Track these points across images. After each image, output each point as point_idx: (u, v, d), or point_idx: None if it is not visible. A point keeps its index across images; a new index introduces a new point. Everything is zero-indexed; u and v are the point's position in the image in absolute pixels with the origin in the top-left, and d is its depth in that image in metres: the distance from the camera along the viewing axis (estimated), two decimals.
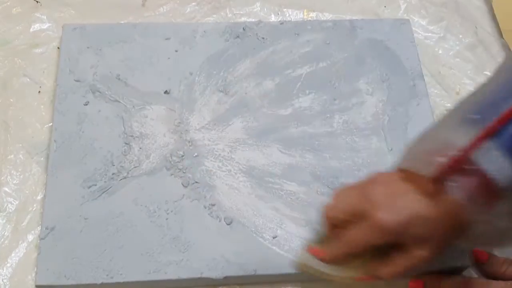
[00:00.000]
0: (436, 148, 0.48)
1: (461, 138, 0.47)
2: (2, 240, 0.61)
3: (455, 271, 0.59)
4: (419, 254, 0.49)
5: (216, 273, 0.58)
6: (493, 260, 0.57)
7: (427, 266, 0.52)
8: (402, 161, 0.53)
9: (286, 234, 0.60)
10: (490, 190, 0.47)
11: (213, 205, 0.62)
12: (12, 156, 0.66)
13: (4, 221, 0.62)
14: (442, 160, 0.47)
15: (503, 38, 0.79)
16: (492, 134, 0.46)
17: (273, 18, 0.79)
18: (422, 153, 0.50)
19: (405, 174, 0.50)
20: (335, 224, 0.52)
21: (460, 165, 0.47)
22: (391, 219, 0.48)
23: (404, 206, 0.48)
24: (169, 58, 0.71)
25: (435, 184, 0.48)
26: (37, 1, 0.77)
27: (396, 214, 0.48)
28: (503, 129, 0.45)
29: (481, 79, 0.75)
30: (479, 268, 0.58)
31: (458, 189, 0.47)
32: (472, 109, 0.49)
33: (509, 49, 0.77)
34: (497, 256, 0.58)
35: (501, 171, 0.46)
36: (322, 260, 0.53)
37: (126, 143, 0.65)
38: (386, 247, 0.50)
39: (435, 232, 0.48)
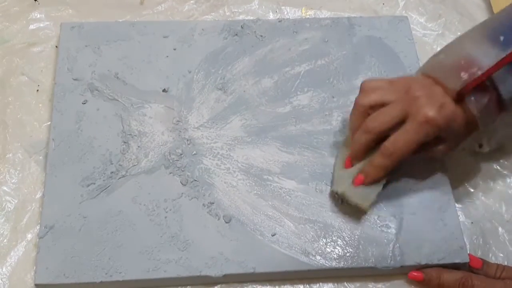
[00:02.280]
0: (460, 61, 0.55)
1: (484, 57, 0.54)
2: (1, 239, 0.61)
3: (455, 267, 0.59)
4: (441, 148, 0.58)
5: (215, 271, 0.58)
6: (487, 267, 0.59)
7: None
8: (427, 68, 0.59)
9: (285, 232, 0.61)
10: (498, 105, 0.56)
11: (212, 203, 0.62)
12: (10, 155, 0.66)
13: (3, 220, 0.62)
14: (465, 77, 0.54)
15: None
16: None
17: (271, 16, 0.79)
18: (447, 64, 0.57)
19: (433, 80, 0.57)
20: (364, 114, 0.58)
21: (480, 83, 0.54)
22: (439, 116, 0.54)
23: (446, 106, 0.55)
24: (167, 56, 0.71)
25: (458, 95, 0.55)
26: (35, 0, 0.77)
27: (443, 112, 0.54)
28: None
29: None
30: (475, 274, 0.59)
31: (475, 103, 0.55)
32: (497, 28, 0.56)
33: None
34: (491, 262, 0.59)
35: (510, 92, 0.56)
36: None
37: (125, 142, 0.65)
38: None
39: (461, 132, 0.57)
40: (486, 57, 0.54)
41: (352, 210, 0.61)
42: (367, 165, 0.59)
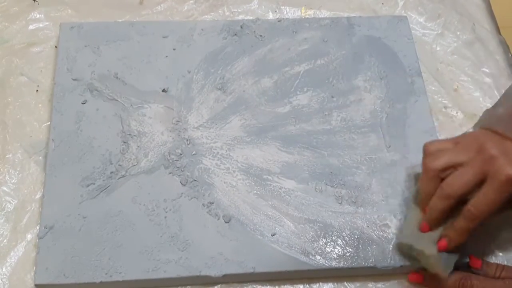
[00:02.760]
0: None
1: None
2: (1, 239, 0.61)
3: (454, 268, 0.59)
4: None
5: (215, 271, 0.58)
6: (487, 266, 0.58)
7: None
8: (487, 122, 0.58)
9: (285, 232, 0.61)
10: None
11: (212, 203, 0.62)
12: (10, 155, 0.66)
13: (3, 220, 0.62)
14: None
15: (501, 35, 0.79)
16: None
17: (270, 16, 0.79)
18: (506, 115, 0.56)
19: (499, 135, 0.56)
20: (436, 178, 0.56)
21: None
22: None
23: None
24: (167, 56, 0.71)
25: None
26: (34, 0, 0.77)
27: None
28: None
29: (479, 76, 0.76)
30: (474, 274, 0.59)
31: None
32: None
33: (507, 46, 0.77)
34: (490, 262, 0.59)
35: None
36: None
37: (124, 142, 0.65)
38: None
39: None
40: None
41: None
42: (450, 230, 0.56)
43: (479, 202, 0.53)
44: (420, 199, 0.58)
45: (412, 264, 0.59)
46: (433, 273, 0.57)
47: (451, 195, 0.54)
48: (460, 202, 0.55)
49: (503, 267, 0.58)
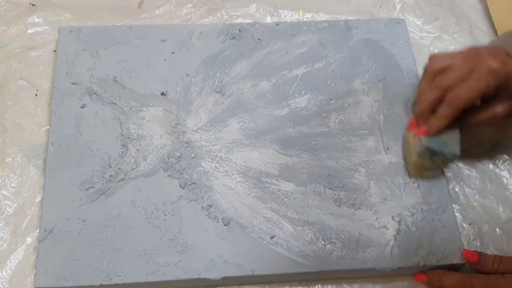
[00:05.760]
0: None
1: None
2: (1, 243, 0.61)
3: (453, 269, 0.60)
4: (500, 110, 0.60)
5: (214, 274, 0.58)
6: (484, 260, 0.58)
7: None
8: (495, 43, 0.64)
9: (284, 234, 0.61)
10: None
11: (211, 206, 0.62)
12: (9, 159, 0.66)
13: (3, 224, 0.62)
14: None
15: (498, 38, 0.79)
16: None
17: (268, 19, 0.79)
18: None
19: (501, 49, 0.60)
20: (433, 79, 0.61)
21: None
22: (502, 68, 0.57)
23: (509, 63, 0.58)
24: (165, 59, 0.71)
25: None
26: (33, 4, 0.77)
27: (505, 66, 0.57)
28: None
29: None
30: (473, 269, 0.59)
31: None
32: None
33: None
34: (487, 254, 0.59)
35: None
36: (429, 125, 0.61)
37: (123, 145, 0.65)
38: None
39: None
40: None
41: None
42: (431, 118, 0.61)
43: (461, 90, 0.58)
44: (417, 103, 0.63)
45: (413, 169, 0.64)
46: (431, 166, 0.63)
47: (439, 86, 0.60)
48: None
49: (501, 258, 0.58)
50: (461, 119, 0.60)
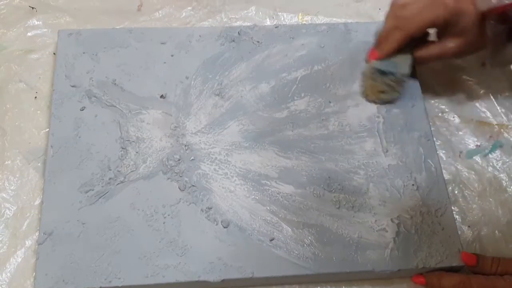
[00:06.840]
0: None
1: None
2: (0, 245, 0.61)
3: (452, 271, 0.60)
4: (451, 45, 0.64)
5: (213, 276, 0.58)
6: (483, 262, 0.58)
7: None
8: None
9: (283, 237, 0.61)
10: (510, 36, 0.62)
11: (210, 208, 0.62)
12: (9, 162, 0.66)
13: (2, 226, 0.62)
14: (495, 1, 0.60)
15: None
16: None
17: (268, 22, 0.79)
18: None
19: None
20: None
21: (504, 12, 0.60)
22: (453, 2, 0.61)
23: (463, 1, 0.61)
24: (165, 62, 0.71)
25: (482, 15, 0.61)
26: (32, 7, 0.77)
27: (458, 1, 0.61)
28: None
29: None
30: (471, 271, 0.59)
31: (492, 27, 0.61)
32: None
33: None
34: (485, 256, 0.59)
35: None
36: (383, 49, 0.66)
37: (123, 148, 0.65)
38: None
39: (471, 34, 0.63)
40: None
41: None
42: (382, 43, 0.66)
43: (413, 18, 0.63)
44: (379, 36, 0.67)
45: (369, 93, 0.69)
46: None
47: (397, 16, 0.64)
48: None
49: (499, 260, 0.58)
50: (416, 52, 0.66)
